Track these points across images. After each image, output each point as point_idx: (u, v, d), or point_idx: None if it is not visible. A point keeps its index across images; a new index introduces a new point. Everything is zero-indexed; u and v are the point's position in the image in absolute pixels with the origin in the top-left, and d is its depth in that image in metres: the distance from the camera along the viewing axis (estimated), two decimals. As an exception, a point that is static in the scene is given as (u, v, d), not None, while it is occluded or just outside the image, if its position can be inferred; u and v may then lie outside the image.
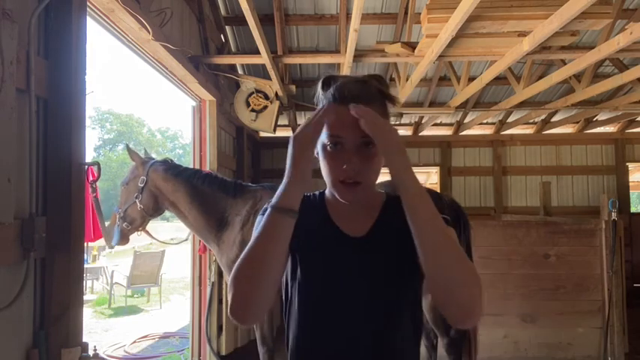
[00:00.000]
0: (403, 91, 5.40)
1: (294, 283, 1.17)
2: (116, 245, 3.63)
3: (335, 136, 1.09)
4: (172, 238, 5.47)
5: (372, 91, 1.14)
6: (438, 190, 7.19)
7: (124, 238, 3.54)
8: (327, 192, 1.24)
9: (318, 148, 1.13)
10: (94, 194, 2.65)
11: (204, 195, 3.41)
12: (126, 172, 3.66)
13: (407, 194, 1.03)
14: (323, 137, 1.10)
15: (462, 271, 0.98)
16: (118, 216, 3.49)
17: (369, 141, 1.07)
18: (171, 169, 3.48)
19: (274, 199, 1.06)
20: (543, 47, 4.02)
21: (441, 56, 3.96)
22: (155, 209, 3.53)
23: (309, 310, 1.14)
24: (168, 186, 3.43)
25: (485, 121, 7.49)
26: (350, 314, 1.11)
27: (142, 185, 3.43)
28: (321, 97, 1.16)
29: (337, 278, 1.12)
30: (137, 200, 3.44)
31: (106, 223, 3.55)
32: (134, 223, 3.53)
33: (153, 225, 4.03)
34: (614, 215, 4.29)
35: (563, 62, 4.66)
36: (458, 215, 3.34)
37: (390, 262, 1.13)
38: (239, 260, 1.03)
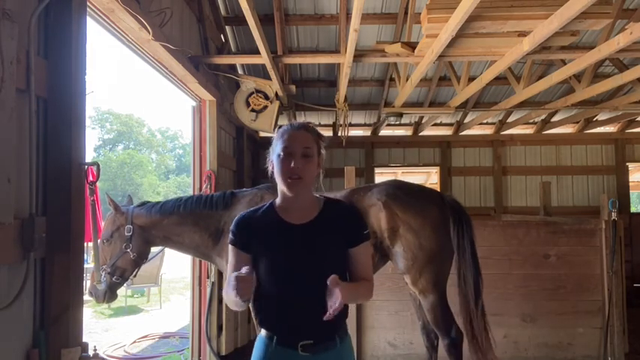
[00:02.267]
0: (403, 91, 5.40)
1: (259, 270, 1.64)
2: (110, 302, 3.47)
3: (287, 147, 1.62)
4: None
5: (312, 128, 1.72)
6: (438, 190, 7.19)
7: (114, 294, 3.40)
8: (276, 200, 1.73)
9: (274, 159, 1.66)
10: (92, 197, 2.56)
11: (194, 216, 3.38)
12: (104, 225, 3.43)
13: (353, 302, 1.70)
14: (278, 150, 1.63)
15: (365, 298, 1.75)
16: (104, 273, 3.29)
17: (308, 153, 1.63)
18: (153, 207, 3.44)
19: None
20: (543, 47, 4.02)
21: (441, 56, 3.96)
22: (147, 253, 3.48)
23: (269, 280, 1.64)
24: (158, 223, 3.38)
25: (485, 121, 7.49)
26: (296, 278, 1.61)
27: (129, 234, 3.32)
28: (275, 137, 1.71)
29: (288, 254, 1.63)
30: (129, 250, 3.31)
31: (90, 264, 3.44)
32: (125, 274, 3.39)
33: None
34: (614, 215, 4.29)
35: (563, 62, 4.66)
36: (459, 215, 3.33)
37: (325, 243, 1.65)
38: (224, 294, 1.57)
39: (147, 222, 3.38)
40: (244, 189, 3.67)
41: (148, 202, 3.58)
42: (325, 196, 1.79)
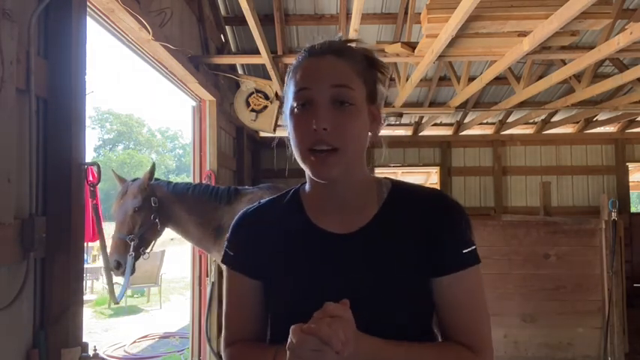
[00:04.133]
0: (403, 91, 5.40)
1: (273, 308, 0.99)
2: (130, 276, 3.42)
3: (302, 90, 0.89)
4: (172, 239, 5.46)
5: (353, 50, 0.95)
6: (438, 190, 7.19)
7: (134, 268, 3.38)
8: (305, 187, 1.02)
9: (286, 116, 0.94)
10: (94, 200, 2.55)
11: (199, 205, 3.43)
12: (128, 193, 3.42)
13: None
14: (290, 98, 0.92)
15: None
16: (132, 244, 3.27)
17: (343, 98, 0.88)
18: (168, 185, 3.51)
19: None
20: (543, 47, 4.02)
21: (441, 56, 3.95)
22: (164, 228, 3.53)
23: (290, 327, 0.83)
24: (173, 203, 3.44)
25: (485, 121, 7.49)
26: None
27: (155, 205, 3.36)
28: (287, 73, 0.98)
29: (322, 289, 0.89)
30: (157, 221, 3.34)
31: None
32: (147, 246, 3.41)
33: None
34: (614, 215, 4.29)
35: (563, 62, 4.66)
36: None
37: (388, 270, 0.90)
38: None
39: (165, 197, 3.45)
40: (247, 187, 3.71)
41: (159, 179, 3.62)
42: (393, 180, 1.03)
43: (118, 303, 3.29)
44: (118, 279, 3.40)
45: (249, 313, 1.01)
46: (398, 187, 1.00)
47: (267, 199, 1.08)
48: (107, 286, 3.15)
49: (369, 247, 0.92)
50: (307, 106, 0.88)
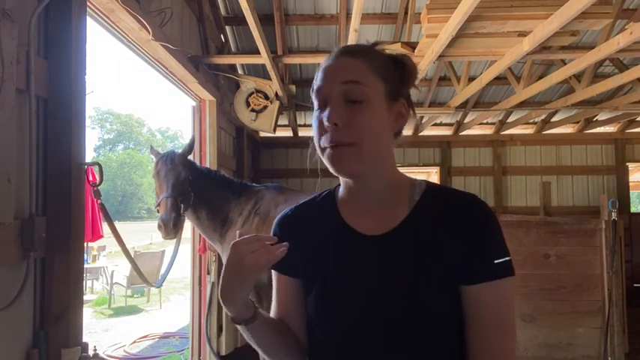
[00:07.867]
0: (403, 91, 5.40)
1: (308, 309, 0.99)
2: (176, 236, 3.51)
3: (317, 90, 0.93)
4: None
5: (372, 50, 0.95)
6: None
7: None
8: (340, 188, 1.03)
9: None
10: (99, 200, 2.54)
11: (216, 192, 3.55)
12: (176, 162, 3.53)
13: None
14: (313, 99, 0.97)
15: None
16: (182, 205, 3.38)
17: (353, 93, 0.88)
18: (198, 164, 3.69)
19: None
20: (543, 47, 4.02)
21: (441, 56, 3.96)
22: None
23: (324, 331, 0.93)
24: (201, 182, 3.55)
25: (485, 121, 7.49)
26: (367, 333, 0.88)
27: (191, 179, 3.48)
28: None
29: (352, 290, 0.90)
30: (192, 193, 3.46)
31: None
32: (183, 214, 3.48)
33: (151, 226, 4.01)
34: (614, 215, 4.29)
35: (563, 62, 4.66)
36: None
37: (417, 274, 0.87)
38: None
39: (197, 174, 3.56)
40: (254, 184, 3.77)
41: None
42: (428, 181, 1.04)
43: (160, 287, 3.42)
44: (118, 279, 3.44)
45: (293, 316, 1.01)
46: (431, 189, 0.99)
47: (304, 200, 1.08)
48: (136, 272, 3.29)
49: (396, 250, 0.90)
50: (322, 106, 0.92)
